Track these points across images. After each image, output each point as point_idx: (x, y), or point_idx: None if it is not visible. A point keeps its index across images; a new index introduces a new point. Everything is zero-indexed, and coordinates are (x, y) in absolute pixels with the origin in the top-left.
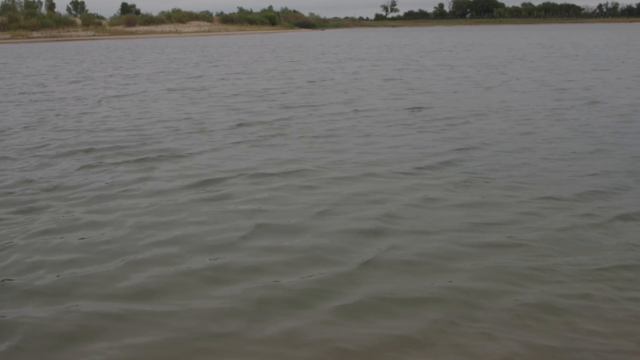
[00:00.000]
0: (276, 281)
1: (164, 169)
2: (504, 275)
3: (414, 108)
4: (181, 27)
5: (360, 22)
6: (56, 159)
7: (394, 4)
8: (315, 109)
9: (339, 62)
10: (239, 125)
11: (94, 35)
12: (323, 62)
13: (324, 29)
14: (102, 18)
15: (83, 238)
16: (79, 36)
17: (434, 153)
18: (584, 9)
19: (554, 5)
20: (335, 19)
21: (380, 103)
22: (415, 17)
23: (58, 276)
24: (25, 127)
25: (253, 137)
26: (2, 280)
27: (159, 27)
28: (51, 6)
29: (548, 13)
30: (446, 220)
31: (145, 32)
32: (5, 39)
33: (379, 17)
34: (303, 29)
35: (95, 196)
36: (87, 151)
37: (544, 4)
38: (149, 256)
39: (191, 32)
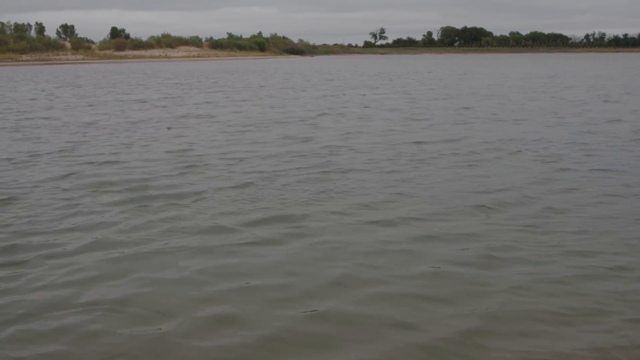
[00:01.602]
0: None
1: (191, 209)
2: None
3: (447, 141)
4: (170, 52)
5: (349, 49)
6: (84, 196)
7: (382, 31)
8: (348, 138)
9: (341, 88)
10: (266, 157)
11: (83, 59)
12: (326, 89)
13: (313, 56)
14: (92, 42)
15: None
16: (68, 60)
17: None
18: (571, 38)
19: (542, 34)
20: (324, 45)
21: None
22: (404, 45)
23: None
24: (36, 156)
25: (290, 172)
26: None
27: (148, 52)
28: (41, 30)
29: (536, 42)
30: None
31: (135, 57)
32: None
33: (367, 45)
34: (292, 55)
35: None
36: (109, 185)
37: (531, 33)
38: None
39: (180, 57)
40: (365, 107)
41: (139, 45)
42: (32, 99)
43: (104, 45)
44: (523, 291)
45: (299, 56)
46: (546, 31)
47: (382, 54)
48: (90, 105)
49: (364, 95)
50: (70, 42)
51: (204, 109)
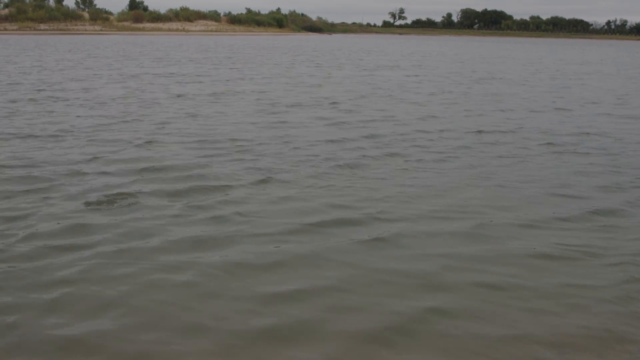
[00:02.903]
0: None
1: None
2: None
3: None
4: (188, 26)
5: (368, 28)
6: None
7: (402, 11)
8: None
9: (371, 68)
10: (327, 142)
11: (101, 29)
12: (357, 69)
13: (331, 34)
14: (110, 13)
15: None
16: (86, 30)
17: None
18: (592, 24)
19: (562, 19)
20: (343, 24)
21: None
22: (423, 26)
23: None
24: (70, 133)
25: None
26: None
27: (166, 25)
28: None
29: (556, 27)
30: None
31: (153, 29)
32: (13, 30)
33: (386, 24)
34: (310, 33)
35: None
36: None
37: (552, 18)
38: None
39: (198, 31)
40: (402, 89)
41: (157, 17)
42: (61, 70)
43: (122, 17)
44: None
45: (317, 34)
46: (567, 16)
47: (400, 34)
48: (120, 78)
49: (394, 76)
50: (88, 13)
51: (238, 85)
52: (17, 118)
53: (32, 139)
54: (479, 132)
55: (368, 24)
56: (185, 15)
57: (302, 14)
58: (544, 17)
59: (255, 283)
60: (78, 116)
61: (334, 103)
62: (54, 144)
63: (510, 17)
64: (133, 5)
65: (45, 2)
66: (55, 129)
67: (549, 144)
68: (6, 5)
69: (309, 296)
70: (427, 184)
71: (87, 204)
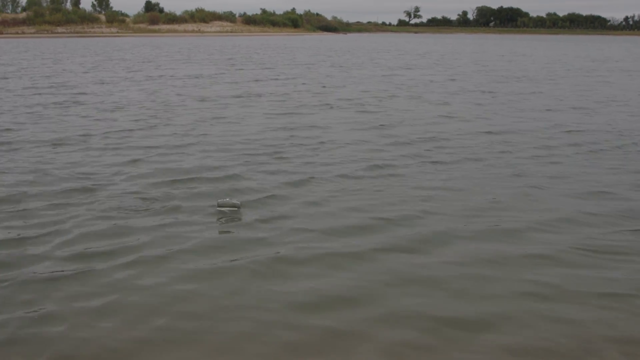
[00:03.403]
0: None
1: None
2: None
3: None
4: (204, 27)
5: (383, 27)
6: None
7: (417, 10)
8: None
9: (393, 68)
10: (358, 144)
11: (118, 32)
12: (380, 69)
13: (346, 33)
14: (126, 15)
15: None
16: (102, 33)
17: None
18: (610, 20)
19: (579, 16)
20: (358, 23)
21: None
22: (439, 24)
23: None
24: (95, 137)
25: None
26: None
27: (182, 26)
28: (76, 2)
29: (573, 24)
30: None
31: (168, 31)
32: (31, 33)
33: (401, 23)
34: (325, 33)
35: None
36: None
37: (569, 14)
38: None
39: (214, 32)
40: (426, 89)
41: (172, 19)
42: (83, 73)
43: (138, 19)
44: None
45: (332, 33)
46: (584, 12)
47: (416, 32)
48: (143, 80)
49: (416, 76)
50: (104, 15)
51: (261, 87)
52: (43, 123)
53: (59, 146)
54: (512, 132)
55: (383, 23)
56: (201, 17)
57: (317, 14)
58: (560, 14)
59: (293, 293)
60: (104, 120)
61: (360, 104)
62: (82, 151)
63: (527, 14)
64: (149, 7)
65: (62, 5)
66: (82, 133)
67: (584, 143)
68: (24, 9)
69: (346, 307)
70: (464, 188)
71: (122, 212)
